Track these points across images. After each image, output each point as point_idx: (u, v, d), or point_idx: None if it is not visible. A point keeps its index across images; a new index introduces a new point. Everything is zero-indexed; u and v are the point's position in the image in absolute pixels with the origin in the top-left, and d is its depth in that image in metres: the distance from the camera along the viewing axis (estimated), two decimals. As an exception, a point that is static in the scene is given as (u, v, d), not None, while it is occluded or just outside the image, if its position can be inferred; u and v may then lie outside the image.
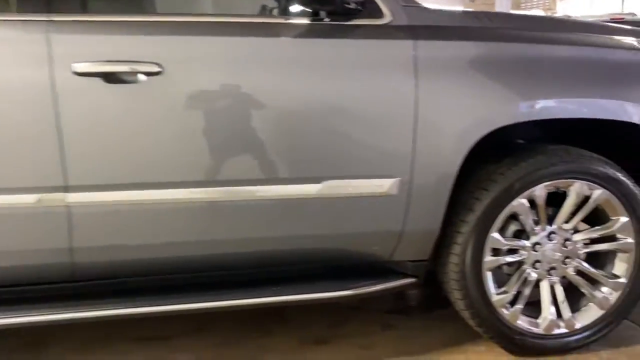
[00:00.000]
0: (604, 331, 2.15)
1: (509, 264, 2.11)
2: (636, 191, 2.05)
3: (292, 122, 1.85)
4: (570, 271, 2.12)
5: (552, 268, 2.11)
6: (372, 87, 1.87)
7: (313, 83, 1.86)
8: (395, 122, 1.88)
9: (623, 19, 8.48)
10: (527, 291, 2.10)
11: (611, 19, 8.15)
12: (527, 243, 2.07)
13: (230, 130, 1.79)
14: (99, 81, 1.70)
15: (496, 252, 2.06)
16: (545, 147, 2.06)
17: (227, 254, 1.95)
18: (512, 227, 2.10)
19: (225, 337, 2.30)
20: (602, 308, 2.13)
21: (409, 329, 2.40)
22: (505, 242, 2.04)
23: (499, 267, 2.11)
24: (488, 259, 2.03)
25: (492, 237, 2.01)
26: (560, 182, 2.02)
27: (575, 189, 2.03)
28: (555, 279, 2.12)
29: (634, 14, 9.68)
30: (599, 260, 2.19)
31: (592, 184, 2.03)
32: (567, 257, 2.10)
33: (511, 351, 2.15)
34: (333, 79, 1.86)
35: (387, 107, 1.88)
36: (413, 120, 1.87)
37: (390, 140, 1.90)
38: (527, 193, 2.00)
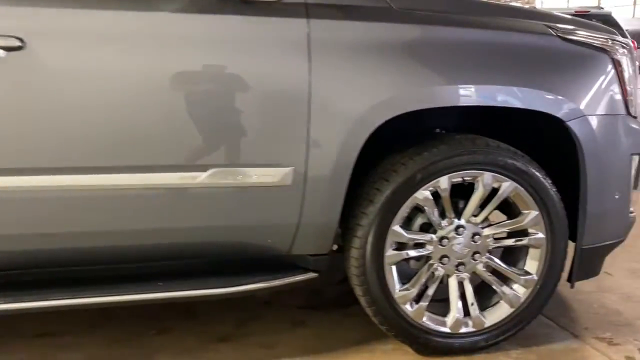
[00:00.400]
0: (514, 330, 2.06)
1: (417, 258, 2.00)
2: (547, 184, 1.96)
3: (174, 104, 1.70)
4: (480, 267, 2.02)
5: (461, 264, 2.00)
6: (262, 68, 1.73)
7: (198, 62, 1.72)
8: (287, 107, 1.75)
9: (588, 11, 8.46)
10: (432, 288, 1.99)
11: (576, 12, 8.11)
12: (433, 237, 1.96)
13: (100, 111, 1.65)
14: None
15: (401, 246, 1.95)
16: (451, 137, 1.96)
17: (108, 247, 1.81)
18: (420, 220, 2.00)
19: (120, 334, 2.16)
20: (512, 306, 2.04)
21: (319, 326, 2.28)
22: (408, 236, 1.93)
23: (407, 261, 2.01)
24: (390, 253, 1.92)
25: (394, 230, 1.90)
26: (465, 174, 1.91)
27: (482, 181, 1.93)
28: (464, 275, 2.02)
29: (601, 8, 9.66)
30: (512, 255, 2.10)
31: (499, 175, 1.92)
32: (476, 253, 2.00)
33: (417, 350, 2.05)
34: (220, 58, 1.73)
35: (278, 91, 1.75)
36: (306, 105, 1.74)
37: (282, 126, 1.77)
38: (430, 184, 1.89)
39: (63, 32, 1.62)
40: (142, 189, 1.71)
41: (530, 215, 1.98)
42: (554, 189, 1.97)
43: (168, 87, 1.69)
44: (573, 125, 1.92)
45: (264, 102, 1.74)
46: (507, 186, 1.94)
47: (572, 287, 2.13)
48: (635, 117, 2.08)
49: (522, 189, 1.95)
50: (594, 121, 1.95)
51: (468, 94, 1.87)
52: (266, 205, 1.82)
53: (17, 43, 1.56)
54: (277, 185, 1.79)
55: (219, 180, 1.75)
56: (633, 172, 2.13)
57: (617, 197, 2.06)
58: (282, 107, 1.75)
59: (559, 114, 1.91)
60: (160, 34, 1.69)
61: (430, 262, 1.99)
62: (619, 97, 2.01)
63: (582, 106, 1.94)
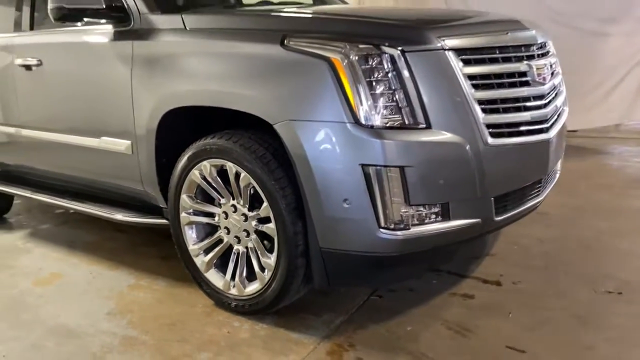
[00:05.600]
0: (264, 306, 2.33)
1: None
2: (267, 178, 2.14)
3: (85, 101, 2.83)
4: (250, 244, 2.37)
5: (237, 237, 2.41)
6: (110, 73, 2.64)
7: (90, 73, 2.77)
8: (120, 97, 2.60)
9: None
10: (216, 250, 2.48)
11: None
12: (217, 210, 2.44)
13: (61, 97, 2.93)
14: (23, 69, 3.12)
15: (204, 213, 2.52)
16: (220, 132, 2.33)
17: (65, 170, 3.14)
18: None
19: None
20: (261, 283, 2.32)
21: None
22: (191, 204, 2.49)
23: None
24: (183, 215, 2.53)
25: (183, 198, 2.50)
26: (218, 161, 2.32)
27: (228, 169, 2.29)
28: (239, 247, 2.42)
29: None
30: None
31: (237, 166, 2.25)
32: (245, 230, 2.37)
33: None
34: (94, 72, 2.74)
35: (117, 88, 2.62)
36: (131, 96, 2.57)
37: (120, 110, 2.63)
38: (198, 167, 2.39)
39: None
40: (71, 144, 2.93)
41: (264, 204, 2.21)
42: (276, 185, 2.13)
43: (83, 88, 2.82)
44: (279, 127, 2.05)
45: (110, 91, 2.66)
46: (243, 176, 2.24)
47: (306, 289, 2.20)
48: (372, 127, 1.94)
49: (254, 181, 2.21)
50: (298, 126, 2.01)
51: (202, 97, 2.29)
52: (122, 164, 2.74)
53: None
54: (125, 153, 2.69)
55: (106, 145, 2.79)
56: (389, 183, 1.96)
57: (345, 206, 2.01)
58: (118, 97, 2.62)
59: (263, 115, 2.08)
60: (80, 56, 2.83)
61: (219, 229, 2.48)
62: (337, 103, 1.95)
63: (288, 110, 2.03)
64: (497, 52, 2.20)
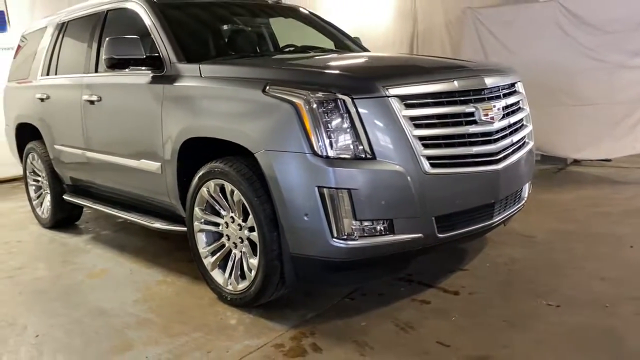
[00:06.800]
0: (252, 300, 2.87)
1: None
2: (252, 195, 2.70)
3: (129, 131, 3.56)
4: (243, 248, 2.94)
5: (235, 243, 2.99)
6: (147, 109, 3.34)
7: (132, 108, 3.49)
8: (154, 129, 3.29)
9: None
10: (218, 253, 3.07)
11: None
12: (220, 220, 3.04)
13: (113, 127, 3.68)
14: (88, 103, 3.91)
15: (211, 222, 3.13)
16: (223, 158, 2.93)
17: (116, 184, 3.87)
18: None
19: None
20: (249, 281, 2.86)
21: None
22: (202, 215, 3.09)
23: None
24: (196, 224, 3.14)
25: (195, 210, 3.11)
26: (219, 181, 2.91)
27: (226, 188, 2.88)
28: (236, 251, 2.99)
29: None
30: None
31: (232, 186, 2.83)
32: (240, 237, 2.94)
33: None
34: (135, 107, 3.46)
35: (152, 121, 3.30)
36: (160, 127, 3.24)
37: (154, 138, 3.31)
38: (205, 185, 3.00)
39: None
40: (119, 165, 3.65)
41: (250, 216, 2.77)
42: (258, 201, 2.68)
43: (130, 119, 3.55)
44: (258, 156, 2.61)
45: (147, 124, 3.35)
46: (236, 193, 2.82)
47: (284, 287, 2.71)
48: (326, 157, 2.45)
49: (243, 198, 2.78)
50: (271, 155, 2.55)
51: (209, 130, 2.90)
52: (155, 181, 3.41)
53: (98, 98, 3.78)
54: (156, 172, 3.36)
55: (144, 166, 3.48)
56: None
57: (306, 219, 2.52)
58: (154, 128, 3.30)
59: (248, 146, 2.65)
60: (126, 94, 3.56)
61: (223, 237, 3.06)
62: (300, 137, 2.48)
63: (265, 142, 2.58)
64: (443, 96, 2.66)
